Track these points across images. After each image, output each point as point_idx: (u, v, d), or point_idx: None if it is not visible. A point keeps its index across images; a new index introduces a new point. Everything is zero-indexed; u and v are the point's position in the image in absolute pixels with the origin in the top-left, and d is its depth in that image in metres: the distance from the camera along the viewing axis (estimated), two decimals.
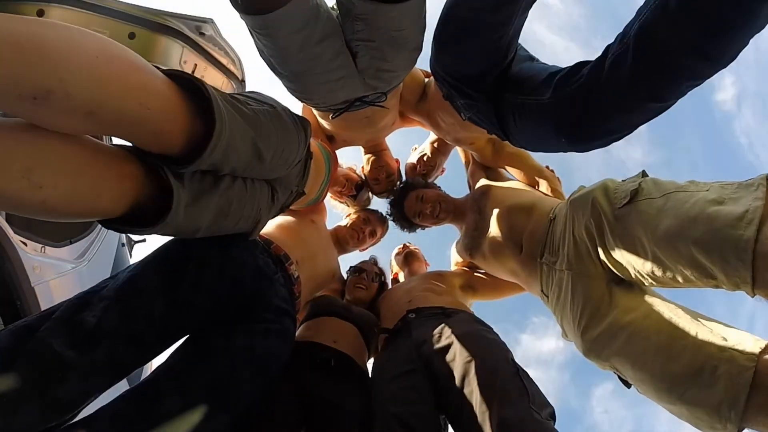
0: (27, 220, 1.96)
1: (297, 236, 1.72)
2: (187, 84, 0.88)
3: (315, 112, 1.97)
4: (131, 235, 2.54)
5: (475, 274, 2.05)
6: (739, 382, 0.91)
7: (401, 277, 2.42)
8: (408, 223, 2.21)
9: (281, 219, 1.86)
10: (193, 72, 1.68)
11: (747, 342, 0.97)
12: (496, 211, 1.78)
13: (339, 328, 1.70)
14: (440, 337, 1.45)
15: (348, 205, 2.36)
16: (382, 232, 2.35)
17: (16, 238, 1.40)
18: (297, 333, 1.76)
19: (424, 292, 1.83)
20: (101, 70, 0.73)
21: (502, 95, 1.30)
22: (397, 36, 1.24)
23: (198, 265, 1.12)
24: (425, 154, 2.31)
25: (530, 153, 2.00)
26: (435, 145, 2.31)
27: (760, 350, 0.94)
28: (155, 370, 1.07)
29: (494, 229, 1.76)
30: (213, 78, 1.88)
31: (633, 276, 1.17)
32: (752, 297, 0.91)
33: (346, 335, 1.68)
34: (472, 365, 1.28)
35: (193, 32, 1.49)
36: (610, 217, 1.20)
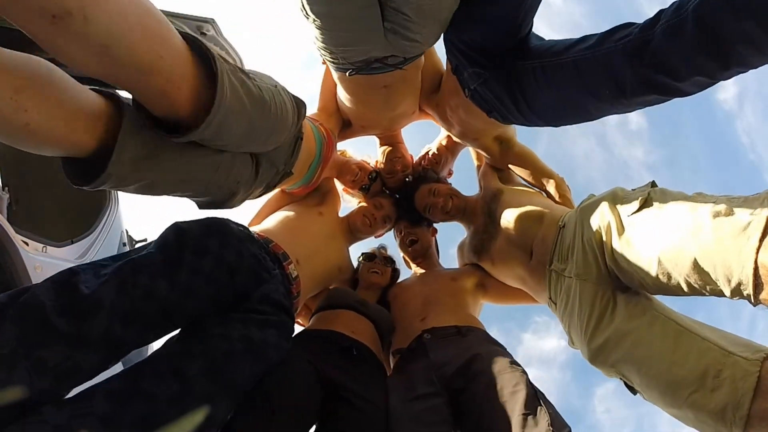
0: (29, 220, 1.96)
1: (299, 234, 1.71)
2: (199, 50, 0.92)
3: (338, 91, 1.93)
4: (131, 240, 2.54)
5: (488, 276, 2.00)
6: (743, 386, 0.92)
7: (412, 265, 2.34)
8: (417, 216, 2.19)
9: (284, 214, 1.84)
10: None
11: (751, 348, 0.98)
12: (506, 216, 1.76)
13: (356, 321, 1.67)
14: (459, 358, 1.45)
15: (358, 198, 2.29)
16: (395, 218, 2.28)
17: (17, 238, 1.40)
18: (311, 323, 1.76)
19: (438, 308, 1.78)
20: (124, 6, 0.75)
21: (521, 63, 1.31)
22: (426, 6, 1.24)
23: (195, 252, 1.13)
24: (430, 150, 2.30)
25: (538, 157, 1.98)
26: (443, 142, 2.31)
27: (764, 356, 0.94)
28: (153, 352, 1.07)
29: (504, 235, 1.74)
30: None
31: (638, 283, 1.17)
32: (754, 306, 0.91)
33: (363, 329, 1.65)
34: (492, 387, 1.28)
35: (194, 32, 1.49)
36: (619, 225, 1.21)
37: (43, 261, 1.48)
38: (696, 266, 0.97)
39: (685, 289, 1.04)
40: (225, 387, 1.03)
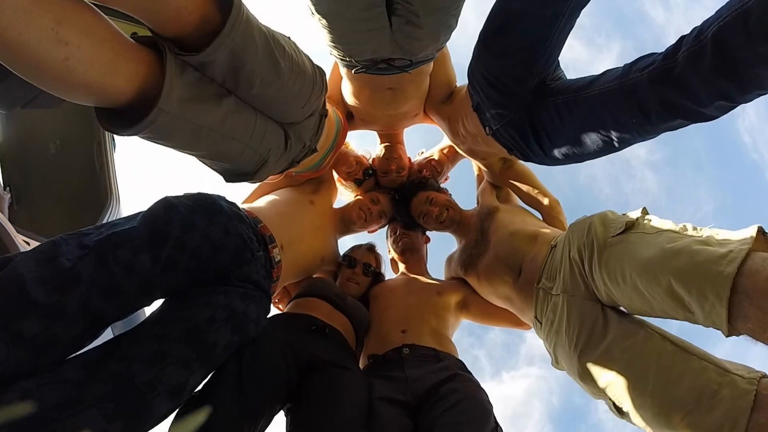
0: (30, 219, 1.97)
1: (287, 219, 1.69)
2: None
3: (342, 84, 1.94)
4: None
5: (473, 294, 1.99)
6: (740, 406, 0.91)
7: (399, 265, 2.29)
8: (410, 221, 2.17)
9: (276, 198, 1.84)
10: None
11: (746, 369, 0.98)
12: (499, 234, 1.77)
13: (331, 314, 1.67)
14: (436, 375, 1.48)
15: (352, 190, 2.27)
16: (391, 215, 2.26)
17: (19, 238, 1.41)
18: (287, 309, 1.76)
19: (420, 324, 1.77)
20: None
21: (544, 102, 1.31)
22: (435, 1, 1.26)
23: (181, 227, 1.14)
24: (433, 157, 2.27)
25: (536, 177, 1.98)
26: (444, 151, 2.28)
27: (761, 375, 0.94)
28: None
29: (494, 252, 1.75)
30: None
31: (613, 303, 1.20)
32: (726, 337, 0.91)
33: (337, 321, 1.66)
34: (459, 408, 1.32)
35: None
36: (601, 243, 1.22)
37: None
38: (670, 288, 0.97)
39: (657, 311, 1.04)
40: (202, 352, 1.05)
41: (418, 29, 1.33)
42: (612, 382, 1.15)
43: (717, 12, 0.93)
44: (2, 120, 1.91)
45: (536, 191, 1.93)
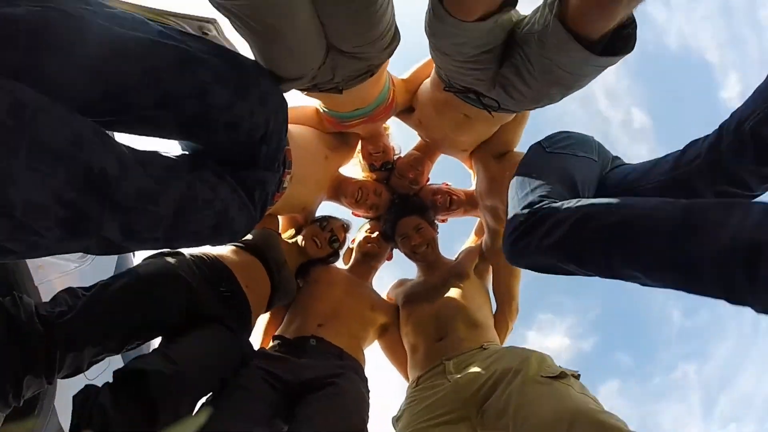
0: None
1: (303, 160, 1.71)
2: None
3: (427, 81, 1.94)
4: None
5: (394, 326, 2.03)
6: None
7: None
8: (389, 232, 2.17)
9: (303, 135, 1.85)
10: None
11: None
12: (451, 298, 1.85)
13: (260, 281, 1.69)
14: (325, 370, 1.54)
15: (363, 170, 2.32)
16: (380, 214, 2.28)
17: None
18: (226, 252, 1.71)
19: (340, 327, 1.80)
20: None
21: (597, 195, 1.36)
22: (559, 75, 1.18)
23: (260, 96, 1.09)
24: (455, 194, 2.28)
25: (519, 279, 2.04)
26: (465, 195, 2.29)
27: None
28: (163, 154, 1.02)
29: (436, 308, 1.82)
30: None
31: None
32: None
33: (259, 289, 1.68)
34: (332, 409, 1.38)
35: (196, 32, 1.48)
36: (528, 377, 1.32)
37: (46, 260, 1.49)
38: None
39: None
40: (175, 226, 0.94)
41: (524, 86, 1.31)
42: None
43: (752, 102, 0.98)
44: None
45: (508, 288, 2.00)
